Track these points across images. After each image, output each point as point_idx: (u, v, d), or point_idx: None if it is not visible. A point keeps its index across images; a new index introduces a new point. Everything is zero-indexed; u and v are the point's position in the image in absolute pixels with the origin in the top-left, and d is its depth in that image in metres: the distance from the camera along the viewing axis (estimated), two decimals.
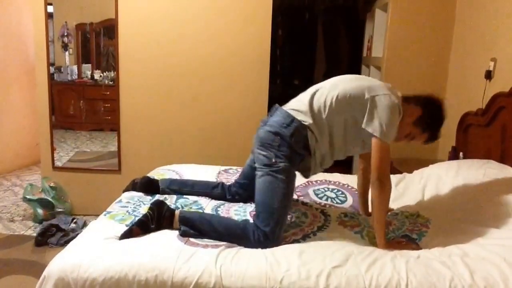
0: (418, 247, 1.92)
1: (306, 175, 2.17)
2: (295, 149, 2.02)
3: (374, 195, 1.95)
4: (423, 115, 2.07)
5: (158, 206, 2.01)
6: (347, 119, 2.03)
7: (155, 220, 1.95)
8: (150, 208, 2.00)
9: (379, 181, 1.93)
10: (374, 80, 2.15)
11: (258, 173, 2.06)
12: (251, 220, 2.05)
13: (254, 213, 2.08)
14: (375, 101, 1.97)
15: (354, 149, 2.15)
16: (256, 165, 2.09)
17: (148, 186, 2.47)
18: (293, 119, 2.02)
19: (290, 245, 1.88)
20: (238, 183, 2.44)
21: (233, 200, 2.42)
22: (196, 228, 1.94)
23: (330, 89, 2.06)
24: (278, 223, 1.93)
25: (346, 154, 2.17)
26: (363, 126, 1.97)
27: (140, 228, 1.91)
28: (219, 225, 1.97)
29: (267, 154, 2.02)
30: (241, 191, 2.41)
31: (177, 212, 2.02)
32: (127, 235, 1.87)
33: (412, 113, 2.07)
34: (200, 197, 2.41)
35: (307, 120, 2.02)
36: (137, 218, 1.98)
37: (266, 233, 1.89)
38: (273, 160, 2.00)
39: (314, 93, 2.09)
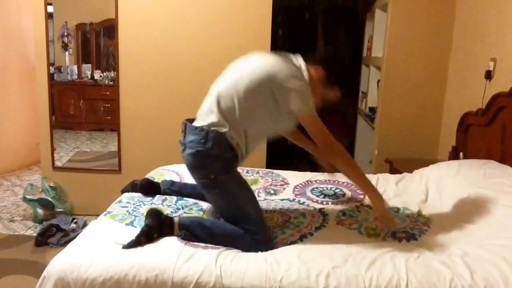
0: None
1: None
2: (224, 156, 1.98)
3: (335, 163, 1.99)
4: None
5: (156, 215, 1.93)
6: (261, 113, 2.01)
7: (157, 229, 1.90)
8: (148, 218, 1.91)
9: (328, 148, 1.99)
10: (266, 59, 2.08)
11: (209, 195, 2.08)
12: None
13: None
14: (281, 86, 1.94)
15: (283, 128, 2.18)
16: (202, 190, 2.11)
17: (148, 188, 2.44)
18: (207, 132, 1.96)
19: (288, 246, 1.87)
20: None
21: None
22: (196, 234, 1.91)
23: (231, 90, 2.03)
24: (262, 225, 1.95)
25: (276, 134, 2.19)
26: (286, 111, 1.97)
27: (145, 238, 1.84)
28: (219, 231, 1.95)
29: (204, 174, 2.00)
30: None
31: (176, 219, 1.97)
32: (133, 245, 1.80)
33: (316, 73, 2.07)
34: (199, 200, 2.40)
35: (222, 128, 1.97)
36: (140, 229, 1.89)
37: (258, 240, 1.88)
38: (212, 177, 1.97)
39: (219, 101, 2.04)
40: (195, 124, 2.06)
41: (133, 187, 2.46)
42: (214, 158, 1.97)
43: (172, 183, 2.50)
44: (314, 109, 1.97)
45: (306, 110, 1.93)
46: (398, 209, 2.33)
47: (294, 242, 1.94)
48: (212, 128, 1.97)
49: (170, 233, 1.92)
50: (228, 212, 2.02)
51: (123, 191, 2.47)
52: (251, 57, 2.15)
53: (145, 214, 1.96)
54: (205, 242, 1.88)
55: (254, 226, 1.91)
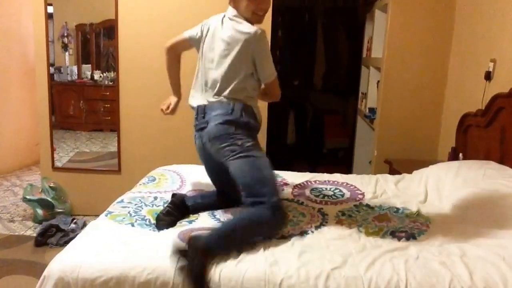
0: None
1: None
2: (250, 124, 2.09)
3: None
4: None
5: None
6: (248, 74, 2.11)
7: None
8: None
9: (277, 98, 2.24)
10: (226, 34, 2.11)
11: (231, 161, 2.04)
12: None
13: (247, 198, 1.99)
14: (256, 52, 2.05)
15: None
16: (222, 159, 2.08)
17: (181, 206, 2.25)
18: (234, 102, 2.07)
19: (288, 246, 1.87)
20: (220, 193, 2.38)
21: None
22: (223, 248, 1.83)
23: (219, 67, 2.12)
24: (277, 190, 2.01)
25: None
26: (263, 80, 2.14)
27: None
28: (240, 222, 1.93)
29: (231, 142, 2.03)
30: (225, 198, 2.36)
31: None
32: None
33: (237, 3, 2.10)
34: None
35: (247, 99, 2.11)
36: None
37: (274, 204, 1.91)
38: (239, 143, 2.03)
39: (216, 79, 2.13)
40: (210, 99, 2.14)
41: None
42: (242, 125, 2.06)
43: (194, 198, 2.37)
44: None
45: (273, 75, 2.16)
46: (398, 209, 2.33)
47: (294, 235, 1.95)
48: (237, 97, 2.08)
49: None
50: (250, 174, 2.01)
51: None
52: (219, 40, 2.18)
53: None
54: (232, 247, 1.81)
55: (271, 188, 1.97)
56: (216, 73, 2.12)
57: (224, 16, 2.17)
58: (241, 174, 2.03)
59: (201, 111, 2.17)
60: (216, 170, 2.28)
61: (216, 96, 2.11)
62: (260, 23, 2.13)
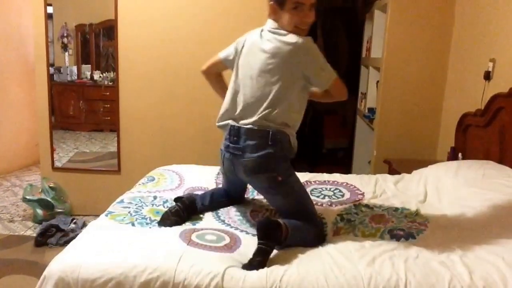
0: None
1: None
2: (287, 157, 2.02)
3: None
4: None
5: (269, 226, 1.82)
6: (295, 93, 1.99)
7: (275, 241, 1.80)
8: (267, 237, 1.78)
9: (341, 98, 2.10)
10: (269, 48, 1.97)
11: (272, 196, 2.09)
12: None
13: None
14: (305, 65, 1.94)
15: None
16: (260, 192, 2.15)
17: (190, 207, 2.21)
18: (273, 133, 1.93)
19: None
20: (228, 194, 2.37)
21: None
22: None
23: (268, 85, 1.97)
24: (319, 220, 2.07)
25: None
26: (322, 88, 2.05)
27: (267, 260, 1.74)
28: (293, 226, 1.92)
29: (269, 177, 1.97)
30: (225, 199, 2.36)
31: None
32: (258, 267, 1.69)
33: (279, 16, 1.96)
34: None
35: (283, 128, 1.98)
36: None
37: (317, 233, 1.96)
38: (280, 179, 1.96)
39: (258, 98, 1.98)
40: (245, 122, 1.99)
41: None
42: (280, 159, 1.97)
43: (202, 197, 2.30)
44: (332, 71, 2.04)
45: (332, 79, 2.04)
46: (397, 208, 2.33)
47: None
48: (275, 128, 1.95)
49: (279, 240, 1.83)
50: (292, 210, 2.01)
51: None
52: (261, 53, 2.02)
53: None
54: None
55: (314, 221, 1.99)
56: (256, 91, 1.98)
57: (263, 30, 2.03)
58: (284, 208, 2.08)
59: (234, 134, 2.01)
60: (236, 183, 2.23)
61: (253, 120, 1.96)
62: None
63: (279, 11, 1.93)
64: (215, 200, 2.31)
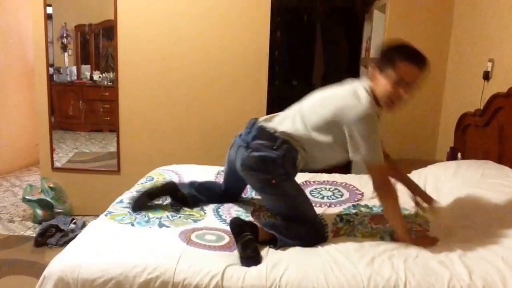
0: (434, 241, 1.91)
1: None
2: (287, 167, 2.00)
3: (381, 202, 1.99)
4: (379, 66, 1.91)
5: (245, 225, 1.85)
6: (329, 142, 1.98)
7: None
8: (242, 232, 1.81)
9: (379, 191, 1.94)
10: (341, 91, 2.01)
11: (265, 195, 2.11)
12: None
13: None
14: (350, 127, 1.88)
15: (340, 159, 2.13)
16: (254, 190, 2.15)
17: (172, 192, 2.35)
18: (281, 141, 1.98)
19: (288, 248, 1.88)
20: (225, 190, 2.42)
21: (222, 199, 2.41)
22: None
23: (310, 114, 2.02)
24: (318, 224, 2.03)
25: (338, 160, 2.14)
26: (351, 157, 1.94)
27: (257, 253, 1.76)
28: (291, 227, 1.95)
29: (264, 178, 1.99)
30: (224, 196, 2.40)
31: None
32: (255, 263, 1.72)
33: (377, 81, 1.91)
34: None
35: (294, 143, 2.00)
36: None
37: (313, 235, 1.94)
38: (273, 182, 1.98)
39: (295, 118, 2.05)
40: (267, 125, 2.06)
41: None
42: (279, 166, 1.97)
43: (189, 187, 2.39)
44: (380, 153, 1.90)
45: (370, 159, 1.89)
46: None
47: None
48: (286, 139, 1.98)
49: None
50: (285, 213, 2.06)
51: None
52: (333, 89, 2.08)
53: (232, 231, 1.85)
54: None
55: (312, 224, 1.98)
56: (297, 110, 2.07)
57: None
58: (277, 210, 2.12)
59: (250, 126, 2.11)
60: (235, 177, 2.21)
61: (275, 126, 2.04)
62: (390, 111, 1.97)
63: (378, 75, 1.90)
64: (207, 189, 2.38)
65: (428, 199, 2.16)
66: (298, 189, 2.09)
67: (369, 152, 1.87)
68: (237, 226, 1.84)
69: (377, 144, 1.88)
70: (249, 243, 1.75)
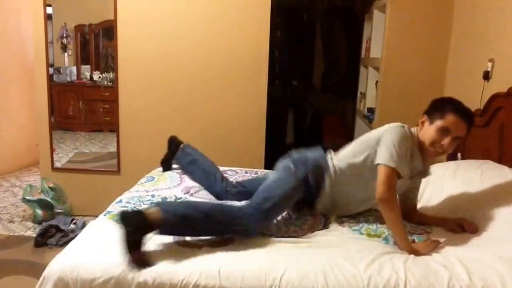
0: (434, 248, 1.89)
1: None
2: (308, 177, 2.13)
3: (384, 214, 1.97)
4: (429, 114, 2.08)
5: (129, 216, 1.76)
6: (360, 163, 2.11)
7: (139, 228, 1.73)
8: (126, 223, 1.72)
9: (382, 203, 1.93)
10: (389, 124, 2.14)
11: (277, 169, 2.23)
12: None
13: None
14: (383, 135, 2.03)
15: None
16: (278, 163, 2.26)
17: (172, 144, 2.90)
18: (324, 166, 2.15)
19: (288, 244, 1.88)
20: (239, 189, 2.49)
21: (227, 196, 2.46)
22: (185, 227, 1.85)
23: (353, 147, 2.19)
24: (275, 206, 2.01)
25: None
26: (375, 161, 2.01)
27: (135, 247, 1.69)
28: (221, 209, 1.98)
29: (288, 165, 2.18)
30: (237, 196, 2.44)
31: (152, 210, 1.81)
32: (138, 264, 1.66)
33: (425, 128, 2.08)
34: (200, 199, 2.45)
35: (332, 173, 2.15)
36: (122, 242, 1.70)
37: (261, 208, 1.95)
38: (293, 169, 2.14)
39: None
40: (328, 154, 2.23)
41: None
42: (305, 170, 2.14)
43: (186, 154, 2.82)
44: (402, 167, 1.96)
45: (388, 161, 1.94)
46: None
47: (295, 236, 1.98)
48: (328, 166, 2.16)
49: (151, 228, 1.76)
50: (267, 183, 2.13)
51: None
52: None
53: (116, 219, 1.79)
54: (190, 227, 1.84)
55: (270, 204, 1.98)
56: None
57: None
58: (268, 179, 2.18)
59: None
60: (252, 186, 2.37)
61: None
62: (430, 157, 2.10)
63: (427, 125, 2.05)
64: (199, 168, 2.68)
65: (460, 221, 2.12)
66: (296, 188, 2.11)
67: (389, 156, 1.94)
68: (121, 216, 1.75)
69: (400, 156, 1.94)
70: (131, 243, 1.68)
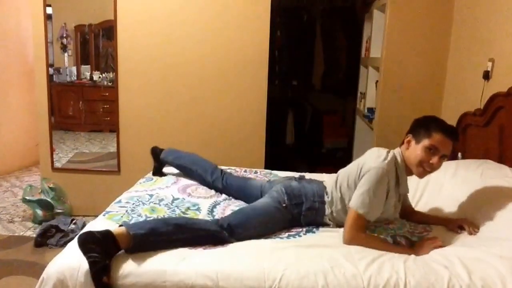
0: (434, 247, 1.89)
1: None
2: (299, 218, 2.14)
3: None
4: (413, 133, 2.07)
5: (91, 240, 1.69)
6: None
7: (104, 253, 1.67)
8: (87, 248, 1.67)
9: (352, 244, 1.90)
10: (373, 152, 2.12)
11: (264, 198, 2.21)
12: None
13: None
14: (363, 177, 2.01)
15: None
16: (266, 194, 2.24)
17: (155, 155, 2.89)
18: (323, 209, 2.14)
19: (288, 245, 1.89)
20: (228, 185, 2.55)
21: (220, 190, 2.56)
22: (153, 242, 1.78)
23: (342, 176, 2.17)
24: (245, 226, 1.97)
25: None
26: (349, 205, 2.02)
27: (103, 275, 1.62)
28: (192, 225, 1.94)
29: (283, 198, 2.15)
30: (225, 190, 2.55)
31: (119, 230, 1.78)
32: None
33: (411, 148, 2.06)
34: (199, 198, 2.46)
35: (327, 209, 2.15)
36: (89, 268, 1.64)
37: (230, 224, 1.94)
38: (284, 204, 2.13)
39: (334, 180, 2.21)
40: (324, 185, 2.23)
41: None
42: (298, 210, 2.14)
43: (176, 157, 2.86)
44: (371, 213, 1.98)
45: (356, 208, 1.96)
46: None
47: (293, 235, 2.00)
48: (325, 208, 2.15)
49: (117, 248, 1.72)
50: (250, 212, 2.10)
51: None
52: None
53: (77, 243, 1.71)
54: (159, 249, 1.78)
55: (240, 223, 1.97)
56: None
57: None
58: (253, 206, 2.17)
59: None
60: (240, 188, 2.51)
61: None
62: (419, 176, 2.09)
63: (413, 145, 2.04)
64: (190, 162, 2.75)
65: (460, 222, 2.12)
66: (277, 220, 2.10)
67: (360, 203, 1.95)
68: (83, 242, 1.69)
69: (372, 203, 1.95)
70: (90, 265, 1.62)
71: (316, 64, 5.22)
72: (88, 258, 1.63)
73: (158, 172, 2.89)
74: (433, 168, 2.00)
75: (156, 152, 2.90)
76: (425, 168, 2.00)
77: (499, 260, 1.68)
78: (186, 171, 2.81)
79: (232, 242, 1.89)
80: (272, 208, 2.10)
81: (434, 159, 1.97)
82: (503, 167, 2.41)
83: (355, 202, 1.96)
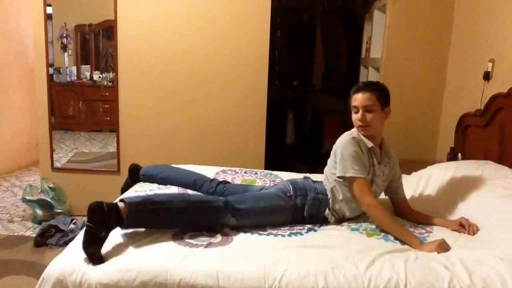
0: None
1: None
2: (302, 210, 2.18)
3: (375, 222, 2.10)
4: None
5: (95, 211, 1.87)
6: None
7: (101, 225, 1.79)
8: (89, 215, 1.83)
9: (369, 210, 2.07)
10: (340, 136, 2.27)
11: (271, 188, 2.29)
12: None
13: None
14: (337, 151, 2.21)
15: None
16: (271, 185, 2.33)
17: (133, 172, 2.67)
18: (326, 201, 2.20)
19: (289, 244, 1.88)
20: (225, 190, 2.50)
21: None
22: (150, 210, 1.87)
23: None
24: (248, 212, 2.04)
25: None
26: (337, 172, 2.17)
27: (92, 244, 1.72)
28: (180, 198, 1.99)
29: (288, 188, 2.23)
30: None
31: (121, 203, 1.90)
32: (92, 259, 1.69)
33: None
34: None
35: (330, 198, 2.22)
36: (80, 239, 1.76)
37: (234, 207, 1.99)
38: (288, 194, 2.19)
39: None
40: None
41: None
42: (302, 200, 2.19)
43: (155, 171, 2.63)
44: (358, 169, 2.11)
45: (344, 174, 2.13)
46: None
47: (294, 234, 2.00)
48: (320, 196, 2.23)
49: (119, 222, 1.84)
50: (255, 198, 2.15)
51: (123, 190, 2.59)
52: None
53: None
54: (157, 221, 1.89)
55: (245, 209, 2.03)
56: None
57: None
58: (257, 193, 2.25)
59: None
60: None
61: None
62: (364, 134, 2.20)
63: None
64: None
65: (460, 221, 2.12)
66: (282, 211, 2.15)
67: (344, 167, 2.12)
68: (90, 211, 1.87)
69: (354, 160, 2.11)
70: (86, 233, 1.75)
71: (316, 65, 5.22)
72: (86, 226, 1.76)
73: (126, 189, 2.61)
74: (362, 122, 2.16)
75: (133, 169, 2.67)
76: (358, 125, 2.19)
77: (499, 262, 1.68)
78: (175, 184, 2.57)
79: (232, 223, 1.99)
80: (277, 196, 2.17)
81: (357, 115, 2.18)
82: (502, 168, 2.41)
83: (341, 169, 2.14)
